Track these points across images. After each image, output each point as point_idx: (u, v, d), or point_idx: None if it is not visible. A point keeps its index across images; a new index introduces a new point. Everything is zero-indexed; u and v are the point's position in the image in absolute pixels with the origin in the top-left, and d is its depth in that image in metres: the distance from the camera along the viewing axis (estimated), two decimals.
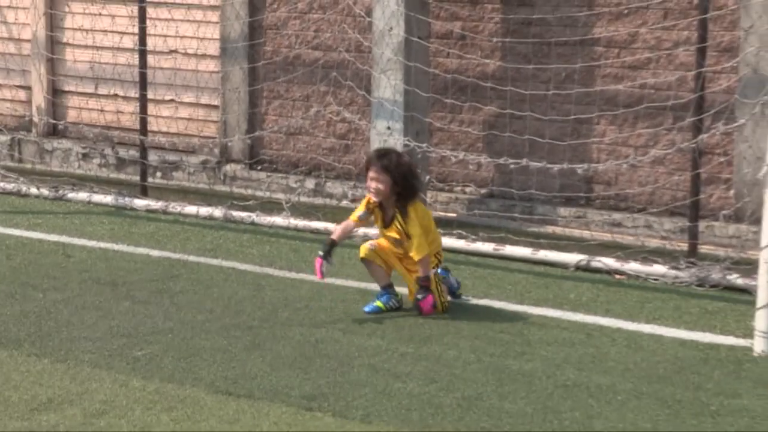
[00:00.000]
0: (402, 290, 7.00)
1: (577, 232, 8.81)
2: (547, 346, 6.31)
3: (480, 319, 6.79)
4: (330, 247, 6.84)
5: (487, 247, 8.26)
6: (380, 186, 6.74)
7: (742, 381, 5.75)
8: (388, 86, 8.97)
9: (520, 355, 6.14)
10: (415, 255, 6.75)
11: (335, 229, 7.12)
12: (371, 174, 6.79)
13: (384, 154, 6.92)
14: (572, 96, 8.91)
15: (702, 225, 8.16)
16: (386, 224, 6.87)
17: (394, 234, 6.81)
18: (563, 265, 7.92)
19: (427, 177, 9.21)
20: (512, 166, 8.67)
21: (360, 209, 6.95)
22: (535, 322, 6.77)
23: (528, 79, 9.08)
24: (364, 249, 6.90)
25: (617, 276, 7.71)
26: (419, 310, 6.77)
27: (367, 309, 6.89)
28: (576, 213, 9.06)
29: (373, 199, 6.82)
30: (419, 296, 6.76)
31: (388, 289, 6.94)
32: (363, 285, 7.44)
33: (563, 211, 9.11)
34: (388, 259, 6.92)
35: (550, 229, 8.92)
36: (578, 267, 7.86)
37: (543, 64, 9.08)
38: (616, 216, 8.92)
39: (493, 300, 7.21)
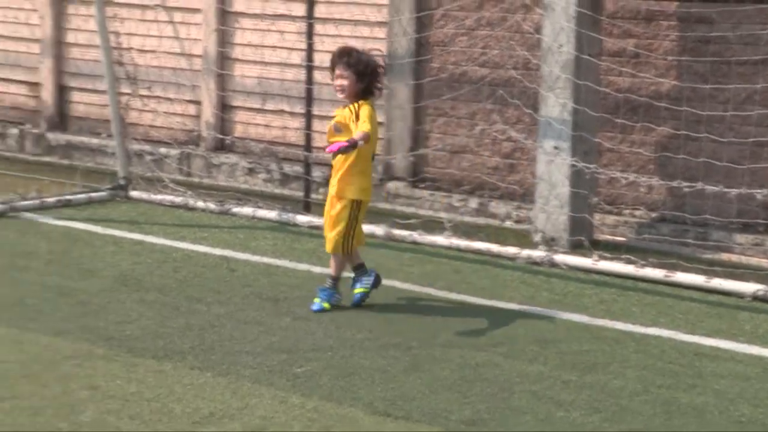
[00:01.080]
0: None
1: (754, 260, 8.59)
2: (720, 379, 6.13)
3: (648, 349, 6.65)
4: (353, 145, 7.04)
5: (658, 273, 8.08)
6: (344, 82, 7.15)
7: None
8: (556, 105, 8.88)
9: (690, 388, 5.97)
10: (363, 126, 7.05)
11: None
12: (336, 72, 7.17)
13: (347, 52, 7.26)
14: (752, 117, 8.67)
15: None
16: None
17: (339, 118, 7.19)
18: (739, 295, 7.71)
19: (595, 199, 9.09)
20: (686, 189, 8.48)
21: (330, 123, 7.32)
22: (708, 353, 6.58)
23: (705, 100, 8.86)
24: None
25: None
26: (330, 149, 7.02)
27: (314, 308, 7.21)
28: (754, 240, 8.81)
29: (340, 96, 7.25)
30: (343, 140, 7.01)
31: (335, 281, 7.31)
32: (525, 308, 7.38)
33: (740, 237, 8.87)
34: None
35: (725, 256, 8.70)
36: (755, 297, 7.64)
37: (721, 84, 8.86)
38: None
39: (663, 329, 7.04)
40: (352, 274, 7.39)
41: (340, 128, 7.17)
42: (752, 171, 8.69)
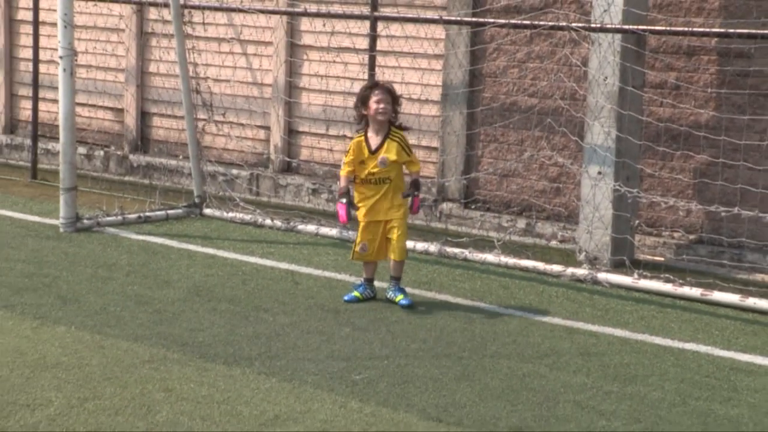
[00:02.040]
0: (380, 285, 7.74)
1: None
2: (755, 393, 6.02)
3: (686, 363, 6.55)
4: (348, 194, 7.46)
5: (695, 292, 7.97)
6: (387, 106, 7.35)
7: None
8: (601, 132, 8.80)
9: (726, 401, 5.87)
10: (416, 165, 7.55)
11: (340, 183, 7.64)
12: (376, 96, 7.35)
13: (379, 82, 7.75)
14: None
15: None
16: (373, 151, 7.41)
17: (391, 155, 7.40)
18: None
19: (636, 221, 8.99)
20: (723, 213, 8.37)
21: (347, 157, 7.50)
22: (743, 368, 6.47)
23: (742, 129, 8.73)
24: (356, 254, 7.66)
25: None
26: (412, 205, 7.52)
27: (346, 298, 7.60)
28: None
29: (380, 118, 7.34)
30: (415, 192, 7.48)
31: (369, 282, 7.66)
32: (569, 323, 7.31)
33: None
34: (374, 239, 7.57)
35: (759, 277, 8.56)
36: None
37: (758, 115, 8.73)
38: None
39: (700, 344, 6.94)
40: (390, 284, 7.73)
41: (386, 162, 7.40)
42: None
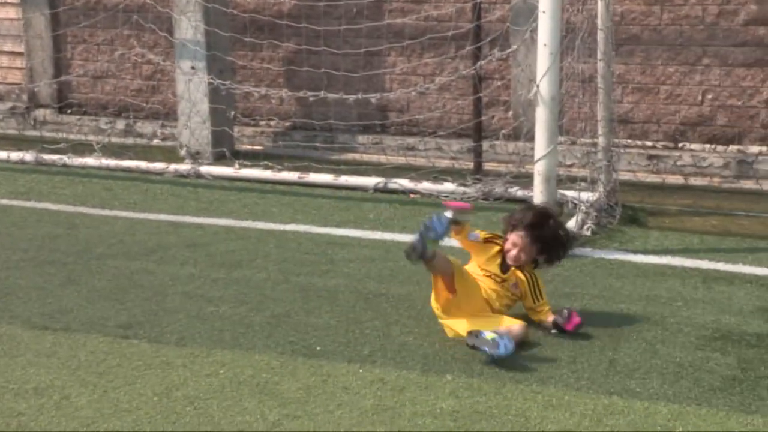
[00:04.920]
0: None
1: (374, 158, 8.91)
2: (350, 263, 6.34)
3: (287, 243, 6.78)
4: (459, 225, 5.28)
5: (292, 176, 8.24)
6: (522, 255, 5.31)
7: None
8: (189, 27, 8.76)
9: (325, 273, 6.16)
10: (543, 315, 5.28)
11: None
12: (515, 238, 5.31)
13: (542, 220, 5.37)
14: (363, 30, 8.91)
15: (485, 145, 8.36)
16: (503, 270, 5.35)
17: (513, 277, 5.35)
18: (363, 189, 7.98)
19: (233, 113, 9.09)
20: (311, 98, 8.62)
21: (483, 232, 5.44)
22: (338, 242, 6.80)
23: (321, 17, 9.01)
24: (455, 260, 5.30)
25: (412, 195, 7.81)
26: (564, 329, 5.19)
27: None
28: (373, 140, 9.14)
29: (509, 263, 5.34)
30: (558, 319, 5.18)
31: None
32: (175, 218, 7.33)
33: (361, 138, 9.18)
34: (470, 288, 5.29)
35: (350, 156, 8.96)
36: (376, 189, 7.93)
37: (334, 1, 9.02)
38: (410, 140, 9.03)
39: (299, 225, 7.19)
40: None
41: (517, 287, 5.33)
42: (366, 78, 8.95)
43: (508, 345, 4.84)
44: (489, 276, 5.33)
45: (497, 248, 5.38)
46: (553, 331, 5.20)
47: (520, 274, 5.34)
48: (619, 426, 4.26)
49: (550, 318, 5.23)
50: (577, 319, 5.16)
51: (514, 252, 5.31)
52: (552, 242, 5.36)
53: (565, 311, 5.20)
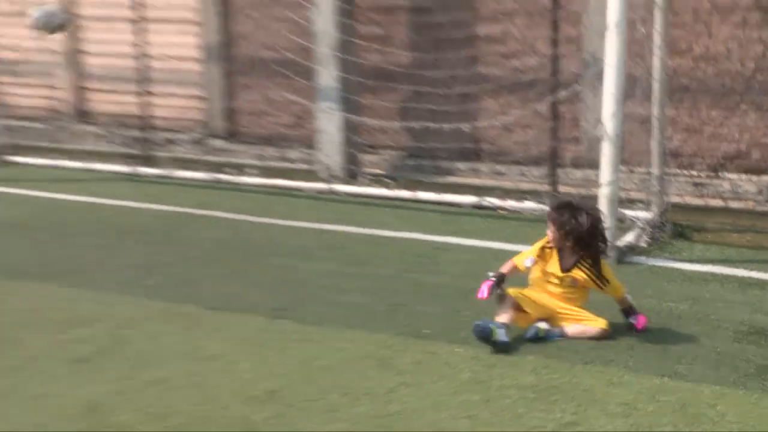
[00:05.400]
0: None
1: (470, 180, 8.80)
2: (453, 264, 6.26)
3: (402, 247, 6.73)
4: (500, 278, 4.96)
5: (405, 193, 8.10)
6: (552, 235, 4.96)
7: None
8: (328, 76, 8.83)
9: (431, 272, 6.11)
10: (620, 291, 5.03)
11: (505, 265, 5.07)
12: (549, 232, 4.97)
13: (560, 211, 4.95)
14: (462, 77, 8.75)
15: (560, 171, 8.21)
16: (565, 269, 4.96)
17: (577, 274, 4.95)
18: (461, 205, 7.84)
19: (361, 143, 9.10)
20: (421, 131, 8.50)
21: (529, 254, 5.05)
22: (441, 247, 6.72)
23: (429, 67, 8.89)
24: (515, 291, 4.97)
25: (500, 211, 7.70)
26: (635, 329, 4.96)
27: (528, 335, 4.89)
28: (469, 166, 9.04)
29: (551, 245, 4.99)
30: (632, 320, 4.98)
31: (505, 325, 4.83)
32: (316, 225, 7.35)
33: (460, 164, 9.06)
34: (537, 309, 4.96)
35: (450, 178, 8.89)
36: (473, 206, 7.81)
37: (440, 55, 8.91)
38: (498, 167, 8.93)
39: (411, 232, 7.09)
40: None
41: (576, 279, 4.97)
42: (464, 116, 8.75)
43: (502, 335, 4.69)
44: (549, 280, 4.99)
45: (554, 251, 4.98)
46: (630, 319, 4.97)
47: (576, 270, 4.93)
48: (670, 402, 4.14)
49: (623, 296, 4.99)
50: (644, 320, 5.00)
51: (548, 235, 4.95)
52: (572, 228, 4.85)
53: (637, 315, 5.01)
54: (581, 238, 4.89)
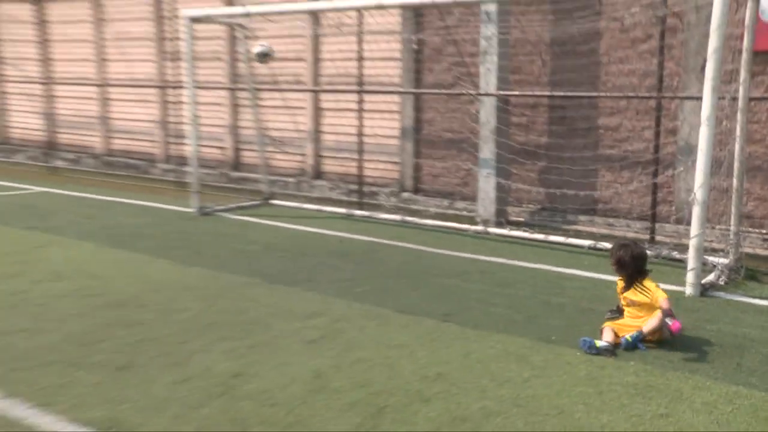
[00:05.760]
0: None
1: (589, 229, 8.48)
2: (576, 290, 5.99)
3: (537, 275, 6.51)
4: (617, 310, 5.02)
5: (540, 236, 7.91)
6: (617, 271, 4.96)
7: (683, 314, 5.40)
8: (487, 151, 8.75)
9: (557, 294, 5.90)
10: (662, 300, 4.78)
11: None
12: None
13: (613, 250, 5.00)
14: (587, 156, 8.58)
15: (658, 225, 7.81)
16: (626, 288, 4.93)
17: (633, 296, 4.89)
18: (581, 246, 7.53)
19: (509, 198, 8.96)
20: (555, 192, 8.33)
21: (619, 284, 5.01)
22: (566, 277, 6.48)
23: (561, 148, 8.72)
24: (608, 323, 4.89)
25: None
26: (670, 331, 4.66)
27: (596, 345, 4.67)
28: (588, 219, 8.73)
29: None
30: (669, 321, 4.65)
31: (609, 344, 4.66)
32: (473, 256, 7.25)
33: (581, 217, 8.78)
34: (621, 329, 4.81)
35: (574, 227, 8.60)
36: (590, 248, 7.49)
37: (570, 139, 8.74)
38: (610, 220, 8.60)
39: (544, 265, 6.90)
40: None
41: (633, 300, 4.91)
42: (587, 184, 8.54)
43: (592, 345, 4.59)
44: (623, 304, 4.94)
45: (620, 281, 4.97)
46: (667, 319, 4.59)
47: (630, 291, 4.87)
48: (744, 406, 3.86)
49: (663, 305, 4.69)
50: (678, 324, 4.63)
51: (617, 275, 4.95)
52: (620, 261, 4.87)
53: (673, 319, 4.66)
54: (625, 265, 4.87)
